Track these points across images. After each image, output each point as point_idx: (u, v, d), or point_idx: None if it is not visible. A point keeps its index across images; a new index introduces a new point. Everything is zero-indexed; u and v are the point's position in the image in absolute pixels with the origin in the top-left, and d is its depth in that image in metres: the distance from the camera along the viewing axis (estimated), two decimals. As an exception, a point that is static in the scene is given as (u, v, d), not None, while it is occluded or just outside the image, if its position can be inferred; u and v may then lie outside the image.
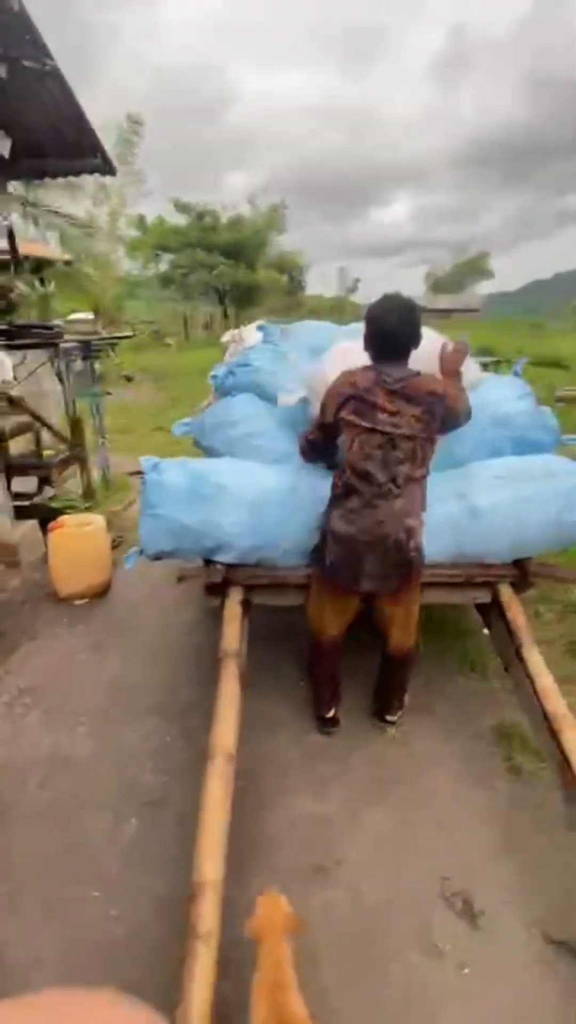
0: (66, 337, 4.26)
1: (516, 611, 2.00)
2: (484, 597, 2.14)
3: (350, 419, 1.72)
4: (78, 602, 3.15)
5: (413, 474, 1.73)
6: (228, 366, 2.68)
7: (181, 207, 22.74)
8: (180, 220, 23.02)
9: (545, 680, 1.75)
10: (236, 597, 2.11)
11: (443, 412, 1.72)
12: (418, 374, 1.72)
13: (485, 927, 1.50)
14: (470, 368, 2.15)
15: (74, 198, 13.46)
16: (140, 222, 22.12)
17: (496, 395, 2.21)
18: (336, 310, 30.00)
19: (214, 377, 2.69)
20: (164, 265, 23.55)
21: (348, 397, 1.72)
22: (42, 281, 10.11)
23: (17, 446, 4.67)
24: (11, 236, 4.28)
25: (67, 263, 10.65)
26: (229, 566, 2.09)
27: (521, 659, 1.86)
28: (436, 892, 1.58)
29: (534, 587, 2.19)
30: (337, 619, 1.99)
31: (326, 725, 2.14)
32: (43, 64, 2.67)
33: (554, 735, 1.62)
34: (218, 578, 2.09)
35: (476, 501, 1.97)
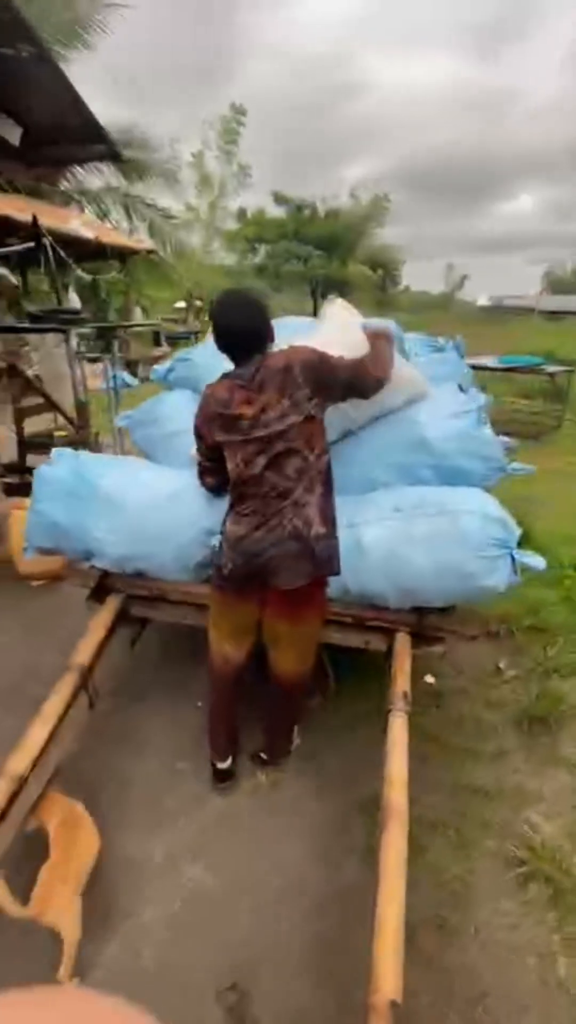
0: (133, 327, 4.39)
1: (400, 666, 1.68)
2: (379, 644, 1.84)
3: (223, 439, 1.59)
4: (35, 583, 3.21)
5: (305, 464, 1.56)
6: (172, 360, 2.55)
7: (281, 199, 22.81)
8: (281, 212, 23.15)
9: (395, 761, 1.44)
10: (111, 606, 1.99)
11: (313, 375, 1.52)
12: (266, 356, 1.56)
13: (245, 1043, 1.26)
14: (404, 370, 1.83)
15: (172, 189, 14.03)
16: (241, 213, 22.55)
17: (425, 412, 1.87)
18: (439, 307, 28.63)
19: (155, 371, 2.57)
20: (261, 257, 23.85)
21: (215, 416, 1.59)
22: (123, 270, 10.61)
23: (37, 426, 4.94)
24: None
25: (149, 252, 11.05)
26: (106, 572, 1.99)
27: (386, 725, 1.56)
28: (214, 983, 1.37)
29: (443, 642, 1.82)
30: (235, 639, 1.75)
31: (219, 778, 1.88)
32: (33, 50, 2.69)
33: (380, 826, 1.32)
34: (91, 583, 1.98)
35: (361, 533, 1.67)
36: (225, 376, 1.60)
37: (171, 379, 2.51)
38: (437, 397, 1.98)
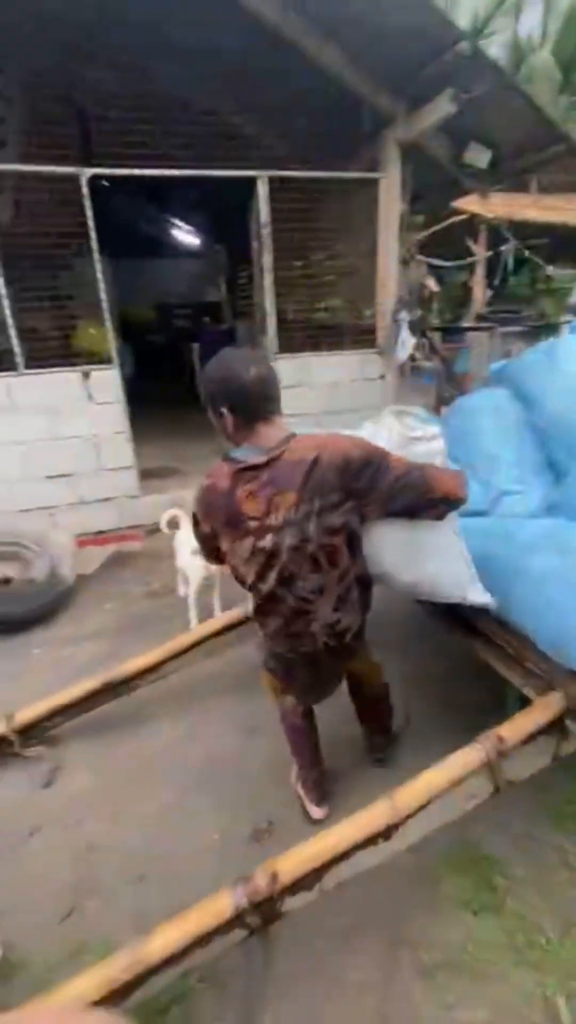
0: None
1: (524, 716, 1.47)
2: (532, 693, 1.60)
3: (229, 536, 1.31)
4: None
5: (327, 581, 1.31)
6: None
7: None
8: None
9: (432, 773, 1.40)
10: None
11: (349, 476, 1.22)
12: (290, 438, 1.25)
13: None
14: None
15: None
16: None
17: None
18: None
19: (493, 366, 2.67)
20: None
21: (218, 509, 1.30)
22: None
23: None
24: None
25: None
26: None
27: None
28: (253, 822, 1.85)
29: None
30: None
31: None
32: (503, 85, 3.02)
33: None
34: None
35: (531, 559, 1.50)
36: (227, 459, 1.28)
37: (502, 375, 2.57)
38: None
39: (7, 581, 3.02)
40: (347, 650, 1.49)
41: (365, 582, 1.42)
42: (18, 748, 2.05)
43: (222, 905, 1.24)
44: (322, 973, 1.42)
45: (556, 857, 1.66)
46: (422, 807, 1.37)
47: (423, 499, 1.28)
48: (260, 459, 1.23)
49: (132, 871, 1.68)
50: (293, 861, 1.30)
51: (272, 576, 1.29)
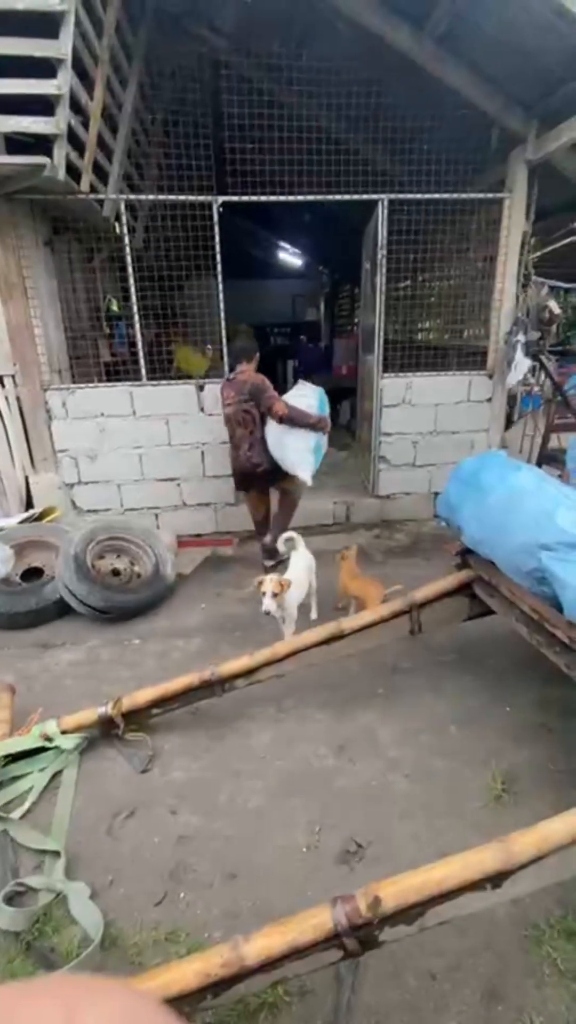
0: None
1: None
2: None
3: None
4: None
5: (245, 433, 3.32)
6: None
7: None
8: None
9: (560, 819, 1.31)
10: (460, 576, 2.41)
11: (256, 394, 3.21)
12: (239, 372, 3.33)
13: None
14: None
15: None
16: None
17: None
18: None
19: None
20: None
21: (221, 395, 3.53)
22: None
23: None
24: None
25: None
26: (468, 549, 2.40)
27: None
28: (348, 839, 1.82)
29: None
30: (254, 509, 3.71)
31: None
32: None
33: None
34: (457, 549, 2.45)
35: None
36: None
37: None
38: None
39: (116, 573, 3.24)
40: (264, 476, 3.42)
41: (264, 444, 3.31)
42: (122, 731, 2.18)
43: (321, 920, 1.23)
44: (413, 1012, 1.36)
45: None
46: (536, 859, 1.29)
47: (269, 410, 3.21)
48: (232, 376, 3.37)
49: (223, 868, 1.72)
50: (395, 889, 1.25)
51: (228, 428, 3.42)
